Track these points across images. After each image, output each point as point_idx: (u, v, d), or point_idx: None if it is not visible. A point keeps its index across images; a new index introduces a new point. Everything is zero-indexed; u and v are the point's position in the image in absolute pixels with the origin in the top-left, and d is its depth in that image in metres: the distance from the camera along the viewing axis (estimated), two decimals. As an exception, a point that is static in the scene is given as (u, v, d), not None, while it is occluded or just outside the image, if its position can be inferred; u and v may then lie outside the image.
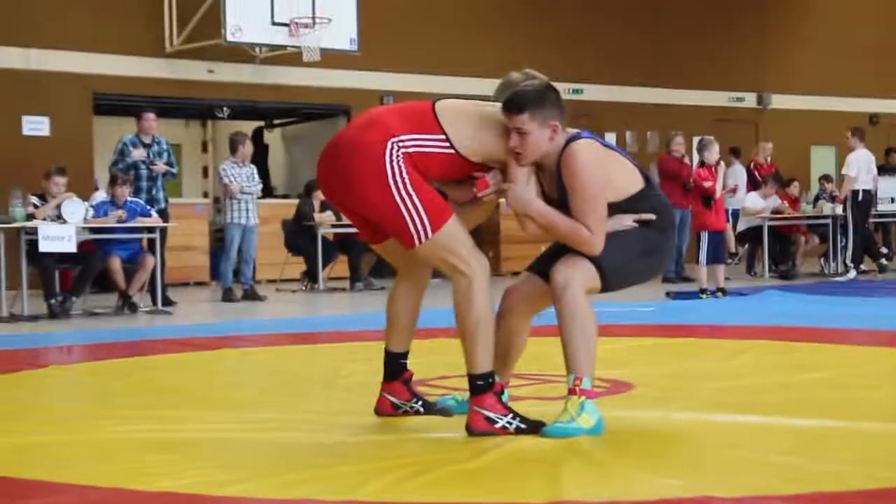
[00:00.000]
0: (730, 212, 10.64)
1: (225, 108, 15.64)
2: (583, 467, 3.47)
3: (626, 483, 3.29)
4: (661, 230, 4.16)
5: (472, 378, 4.01)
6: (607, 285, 4.06)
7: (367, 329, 8.18)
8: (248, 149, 12.06)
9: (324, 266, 12.97)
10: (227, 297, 11.67)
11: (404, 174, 3.92)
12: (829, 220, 14.46)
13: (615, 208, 4.07)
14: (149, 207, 10.72)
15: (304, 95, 15.64)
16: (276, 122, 18.10)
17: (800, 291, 11.17)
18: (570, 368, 3.97)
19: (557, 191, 4.07)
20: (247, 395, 5.30)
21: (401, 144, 3.94)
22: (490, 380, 4.00)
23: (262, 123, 17.97)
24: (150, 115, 11.12)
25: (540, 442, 3.86)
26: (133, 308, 10.29)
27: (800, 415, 4.31)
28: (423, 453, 3.74)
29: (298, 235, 12.90)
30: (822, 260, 15.05)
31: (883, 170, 16.70)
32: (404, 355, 4.46)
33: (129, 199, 10.56)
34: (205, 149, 19.01)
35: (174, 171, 11.26)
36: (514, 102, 3.99)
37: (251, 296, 11.81)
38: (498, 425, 3.95)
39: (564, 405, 3.96)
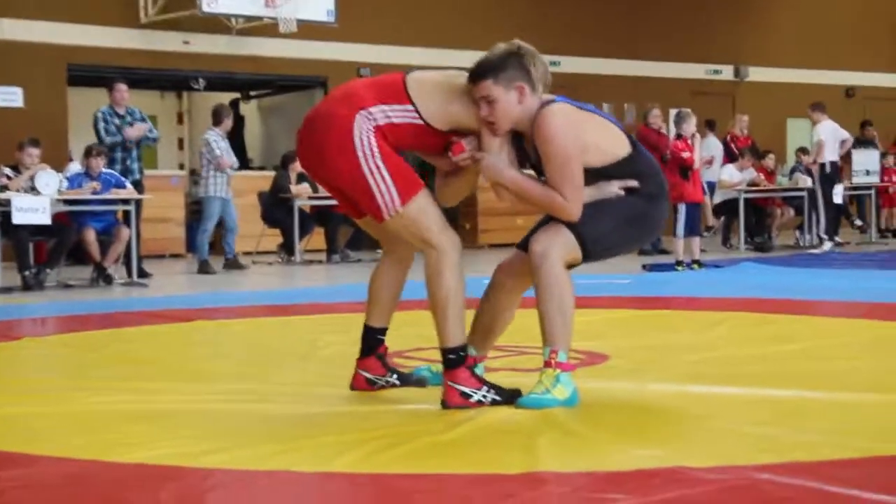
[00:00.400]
0: (706, 184, 10.67)
1: (200, 80, 15.54)
2: (559, 438, 3.48)
3: (601, 454, 3.30)
4: (649, 197, 4.07)
5: (445, 352, 4.01)
6: (588, 255, 4.02)
7: (343, 301, 8.18)
8: (230, 122, 12.08)
9: (300, 238, 12.94)
10: (204, 269, 11.63)
11: (373, 147, 3.92)
12: (804, 193, 14.52)
13: (601, 174, 4.00)
14: (123, 179, 10.65)
15: (280, 67, 15.56)
16: (253, 93, 18.01)
17: (775, 264, 11.22)
18: (546, 341, 3.96)
19: (535, 157, 4.05)
20: (223, 366, 5.29)
21: (370, 116, 3.94)
22: (462, 353, 4.00)
23: (238, 95, 17.88)
24: (122, 86, 11.04)
25: (516, 413, 3.87)
26: (108, 280, 10.24)
27: (776, 386, 4.34)
28: (398, 425, 3.74)
29: (275, 207, 12.86)
30: (797, 232, 15.12)
31: (858, 142, 16.79)
32: (382, 331, 4.44)
33: (103, 170, 10.49)
34: (180, 120, 18.90)
35: (154, 136, 11.18)
36: (476, 70, 3.96)
37: (233, 264, 11.81)
38: (473, 399, 3.95)
39: (539, 377, 3.96)
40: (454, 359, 3.99)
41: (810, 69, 19.49)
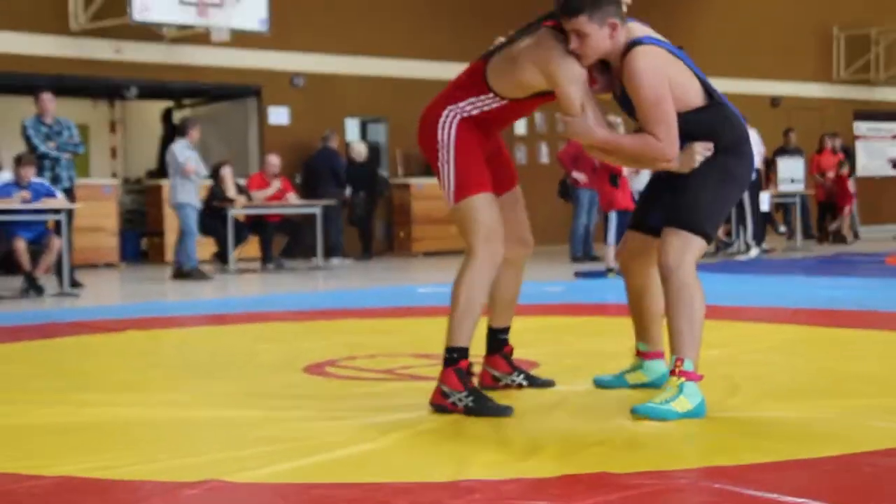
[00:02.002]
0: (635, 193, 10.81)
1: (133, 88, 15.40)
2: (487, 446, 3.53)
3: (529, 461, 3.34)
4: (728, 151, 4.04)
5: (445, 350, 4.13)
6: (711, 238, 4.08)
7: (278, 310, 8.18)
8: (197, 133, 12.23)
9: (234, 247, 12.89)
10: (199, 275, 11.79)
11: (452, 139, 4.14)
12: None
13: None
14: (54, 189, 10.54)
15: (213, 76, 15.48)
16: (186, 102, 17.88)
17: (702, 270, 11.36)
18: (673, 350, 3.97)
19: (623, 96, 4.04)
20: (154, 377, 5.27)
21: (458, 109, 4.15)
22: (455, 355, 4.08)
23: (171, 104, 17.75)
24: (47, 96, 10.93)
25: (444, 423, 3.91)
26: (39, 290, 10.12)
27: (702, 390, 4.42)
28: (328, 433, 3.76)
29: (209, 216, 12.80)
30: (724, 238, 15.35)
31: (783, 150, 17.11)
32: (503, 331, 4.53)
33: (33, 179, 10.37)
34: (113, 129, 18.71)
35: (78, 150, 11.10)
36: (572, 5, 3.89)
37: (184, 274, 11.87)
38: (449, 400, 4.04)
39: (664, 385, 3.99)
40: (447, 358, 4.10)
41: (736, 79, 19.80)
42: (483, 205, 4.13)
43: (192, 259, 11.96)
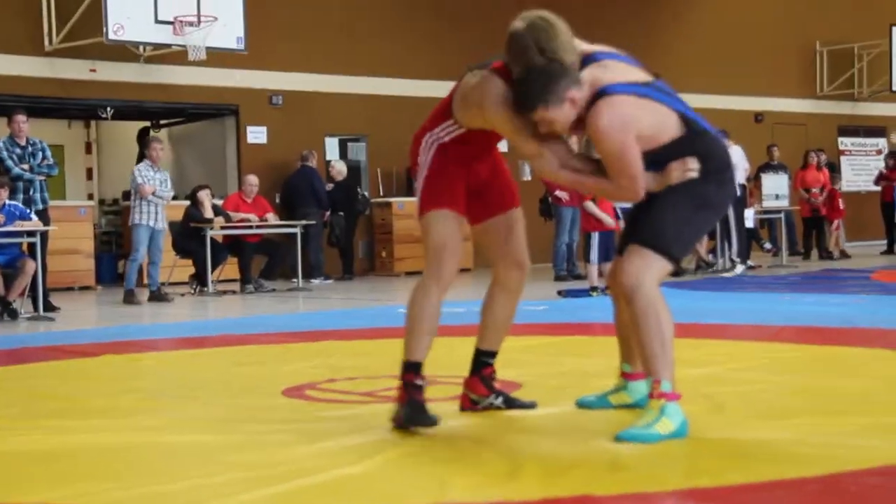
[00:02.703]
0: (619, 210, 10.78)
1: (108, 109, 15.31)
2: (468, 469, 3.46)
3: (510, 482, 3.28)
4: (713, 176, 3.97)
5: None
6: (677, 260, 4.01)
7: (257, 332, 8.09)
8: (160, 152, 12.08)
9: (213, 268, 12.79)
10: (130, 299, 11.50)
11: (429, 161, 4.22)
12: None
13: (652, 158, 3.91)
14: (28, 211, 10.43)
15: (190, 95, 15.40)
16: (163, 122, 17.79)
17: (686, 287, 11.36)
18: (649, 372, 3.90)
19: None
20: (130, 401, 5.18)
21: (435, 136, 4.23)
22: (404, 369, 4.15)
23: (147, 124, 17.65)
24: (20, 117, 10.85)
25: (425, 445, 3.85)
26: (13, 314, 10.00)
27: (685, 411, 4.35)
28: (307, 458, 3.69)
29: (187, 237, 12.70)
30: (710, 255, 15.34)
31: (768, 166, 17.15)
32: (489, 354, 4.49)
33: (7, 202, 10.26)
34: (88, 150, 18.60)
35: (52, 172, 11.01)
36: (524, 103, 3.87)
37: (158, 297, 11.67)
38: (395, 414, 4.13)
39: (645, 409, 3.92)
40: (401, 372, 4.17)
41: (719, 94, 19.85)
42: (440, 221, 4.18)
43: (130, 281, 11.75)
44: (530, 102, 3.85)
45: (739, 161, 14.03)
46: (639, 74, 3.99)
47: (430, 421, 4.07)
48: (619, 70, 3.96)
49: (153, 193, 11.74)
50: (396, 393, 4.18)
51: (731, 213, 13.92)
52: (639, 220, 4.04)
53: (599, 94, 3.86)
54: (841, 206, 17.66)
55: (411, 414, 4.08)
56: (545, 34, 3.86)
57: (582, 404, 4.49)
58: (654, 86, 4.00)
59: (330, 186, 15.05)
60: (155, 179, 11.86)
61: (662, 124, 3.95)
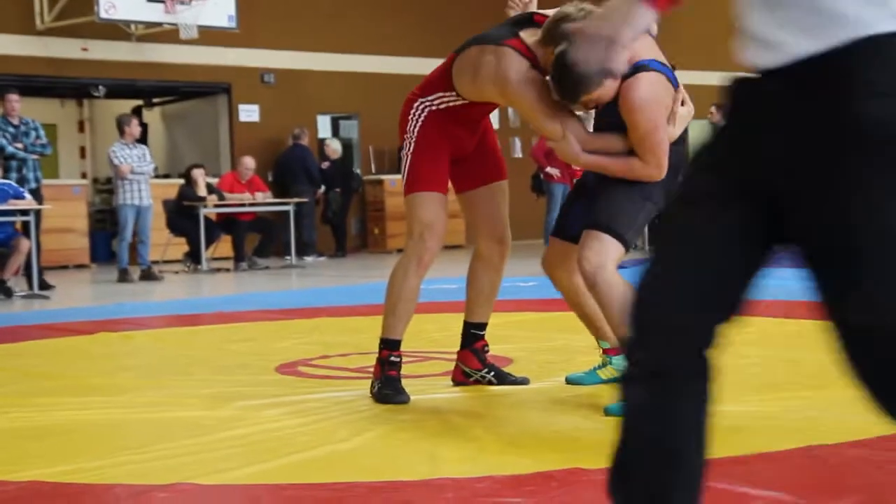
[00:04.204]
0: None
1: (101, 87, 15.30)
2: (460, 444, 3.52)
3: (502, 458, 3.33)
4: (667, 179, 4.03)
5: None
6: (628, 246, 4.07)
7: (250, 309, 8.14)
8: (135, 129, 11.97)
9: (207, 246, 12.83)
10: (123, 277, 11.54)
11: (416, 130, 4.23)
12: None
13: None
14: (21, 189, 10.46)
15: (182, 74, 15.39)
16: (155, 100, 17.80)
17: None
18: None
19: (612, 106, 3.98)
20: (124, 378, 5.23)
21: (428, 103, 4.23)
22: (381, 346, 4.28)
23: (140, 102, 17.66)
24: (13, 97, 10.84)
25: (417, 420, 3.90)
26: (7, 293, 10.03)
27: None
28: (299, 434, 3.74)
29: (180, 216, 12.73)
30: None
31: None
32: (478, 326, 4.57)
33: (0, 180, 10.29)
34: (81, 129, 18.59)
35: (45, 151, 11.01)
36: (570, 92, 3.86)
37: (148, 276, 11.69)
38: (371, 387, 4.30)
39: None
40: (378, 347, 4.31)
41: (714, 71, 19.85)
42: (425, 203, 4.23)
43: (122, 260, 11.77)
44: (577, 91, 3.85)
45: None
46: (661, 54, 4.04)
47: (401, 399, 4.18)
48: (648, 44, 3.99)
49: (131, 171, 11.66)
50: (374, 368, 4.32)
51: None
52: (589, 209, 4.08)
53: (638, 67, 3.87)
54: None
55: (384, 391, 4.22)
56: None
57: (571, 380, 4.55)
58: (673, 74, 4.04)
59: (326, 165, 15.07)
60: (132, 156, 11.71)
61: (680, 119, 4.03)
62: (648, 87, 3.85)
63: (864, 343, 1.77)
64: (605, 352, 4.48)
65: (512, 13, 4.26)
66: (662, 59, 4.01)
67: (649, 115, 3.86)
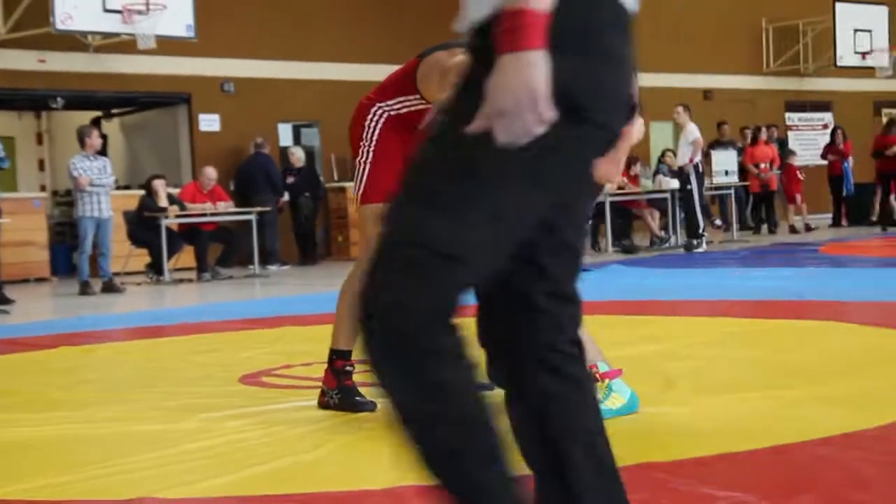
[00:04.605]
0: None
1: (59, 99, 15.16)
2: (424, 450, 3.49)
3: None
4: None
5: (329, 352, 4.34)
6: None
7: (214, 319, 8.09)
8: (95, 141, 11.85)
9: (169, 257, 12.74)
10: (85, 290, 11.43)
11: (373, 140, 4.19)
12: (667, 194, 14.90)
13: None
14: None
15: (142, 84, 15.29)
16: (115, 111, 17.66)
17: (639, 265, 11.46)
18: None
19: None
20: (87, 392, 5.17)
21: (387, 107, 4.20)
22: (332, 356, 4.29)
23: (99, 113, 17.51)
24: None
25: (381, 429, 3.86)
26: (-32, 308, 9.92)
27: (638, 387, 4.41)
28: (262, 445, 3.71)
29: (142, 227, 12.64)
30: (662, 232, 15.47)
31: (717, 143, 17.31)
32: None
33: (-42, 195, 10.18)
34: (40, 141, 18.42)
35: (2, 165, 10.89)
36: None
37: (110, 288, 11.59)
38: (325, 398, 4.28)
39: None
40: (328, 360, 4.31)
41: (670, 73, 19.96)
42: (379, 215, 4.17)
43: (82, 273, 11.64)
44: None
45: (696, 138, 14.20)
46: None
47: (370, 406, 4.17)
48: None
49: (90, 183, 11.55)
50: (324, 378, 4.31)
51: (695, 188, 14.07)
52: None
53: None
54: (800, 177, 17.89)
55: (347, 398, 4.22)
56: None
57: None
58: None
59: (291, 179, 15.01)
60: (92, 168, 11.60)
61: None
62: None
63: None
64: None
65: None
66: None
67: None
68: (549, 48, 1.63)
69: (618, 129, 1.80)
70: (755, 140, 17.63)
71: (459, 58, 3.95)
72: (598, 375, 3.95)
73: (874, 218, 17.77)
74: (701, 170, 14.36)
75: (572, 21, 1.70)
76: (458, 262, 1.70)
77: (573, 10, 1.71)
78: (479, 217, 1.70)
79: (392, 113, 4.20)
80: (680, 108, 14.56)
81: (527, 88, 1.60)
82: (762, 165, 17.58)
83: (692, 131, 14.21)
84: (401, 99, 4.19)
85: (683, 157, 14.23)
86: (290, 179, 15.02)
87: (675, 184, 14.72)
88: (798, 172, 17.91)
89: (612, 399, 3.90)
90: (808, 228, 17.28)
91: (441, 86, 4.08)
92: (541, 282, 1.90)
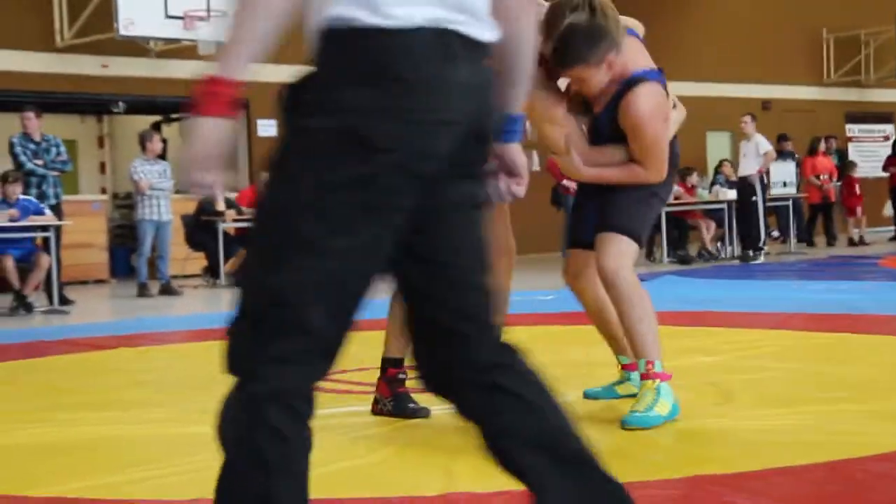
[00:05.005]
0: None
1: (120, 103, 15.36)
2: (475, 459, 3.46)
3: (518, 472, 3.32)
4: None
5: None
6: (642, 244, 4.14)
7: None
8: (156, 145, 12.01)
9: (225, 261, 12.85)
10: (143, 292, 11.58)
11: None
12: (724, 205, 14.79)
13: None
14: (42, 205, 10.51)
15: (201, 89, 15.42)
16: (175, 116, 17.85)
17: (694, 276, 11.37)
18: (639, 353, 3.98)
19: (607, 117, 4.01)
20: (145, 394, 5.24)
21: None
22: (385, 365, 4.27)
23: (160, 118, 17.71)
24: (30, 114, 10.90)
25: (433, 436, 3.89)
26: (28, 308, 10.08)
27: (695, 399, 4.39)
28: (317, 449, 3.70)
29: (199, 230, 12.76)
30: (718, 244, 15.35)
31: (778, 154, 17.14)
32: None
33: (21, 196, 10.34)
34: (101, 144, 18.68)
35: (65, 168, 11.06)
36: (568, 58, 3.83)
37: (168, 290, 11.72)
38: (379, 406, 4.29)
39: (640, 392, 3.97)
40: (381, 368, 4.30)
41: (727, 82, 19.81)
42: None
43: (141, 275, 11.78)
44: (573, 57, 3.83)
45: (769, 150, 14.16)
46: (649, 58, 4.07)
47: (423, 412, 4.18)
48: (636, 48, 4.03)
49: (150, 187, 11.71)
50: (377, 387, 4.32)
51: (760, 200, 13.99)
52: (601, 211, 4.11)
53: (637, 78, 3.92)
54: (858, 192, 17.70)
55: (400, 405, 4.22)
56: (608, 13, 3.85)
57: (589, 395, 4.53)
58: (663, 77, 4.07)
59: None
60: (153, 172, 11.77)
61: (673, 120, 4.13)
62: (649, 99, 3.92)
63: None
64: (624, 367, 4.45)
65: None
66: (651, 63, 4.05)
67: (653, 127, 3.93)
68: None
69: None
70: (814, 151, 17.45)
71: None
72: (651, 373, 3.93)
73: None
74: (765, 181, 14.27)
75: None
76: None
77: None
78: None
79: None
80: (748, 118, 14.45)
81: (192, 150, 1.84)
82: (822, 177, 17.40)
83: (763, 143, 14.11)
84: None
85: (750, 168, 14.09)
86: None
87: (732, 194, 14.60)
88: (857, 185, 17.71)
89: (660, 404, 3.88)
90: (863, 242, 17.05)
91: None
92: (445, 310, 1.99)
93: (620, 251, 3.99)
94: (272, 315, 1.85)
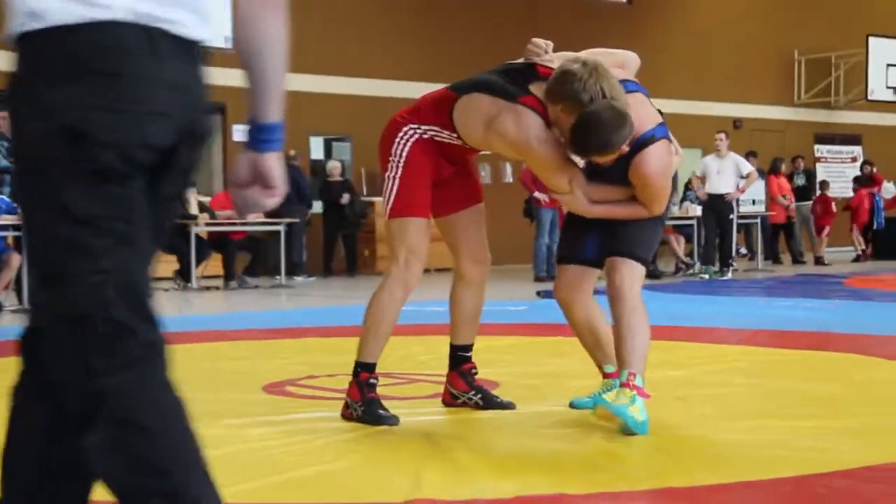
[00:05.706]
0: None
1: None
2: (443, 466, 3.52)
3: (484, 482, 3.34)
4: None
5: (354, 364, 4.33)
6: (649, 268, 4.32)
7: (239, 328, 8.13)
8: None
9: (197, 265, 12.82)
10: None
11: (403, 157, 4.25)
12: (693, 221, 14.92)
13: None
14: (14, 205, 10.44)
15: (176, 92, 15.39)
16: (149, 118, 17.79)
17: (664, 290, 11.44)
18: (625, 364, 4.07)
19: (616, 169, 4.13)
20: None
21: (419, 131, 4.25)
22: (358, 369, 4.29)
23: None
24: (4, 113, 10.83)
25: (403, 442, 3.91)
26: (-3, 307, 10.02)
27: (659, 413, 4.42)
28: (284, 454, 3.74)
29: (171, 233, 12.71)
30: (688, 259, 15.44)
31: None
32: (464, 348, 4.59)
33: (-8, 195, 10.29)
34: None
35: None
36: (604, 147, 3.96)
37: None
38: (349, 410, 4.29)
39: (617, 392, 4.07)
40: (353, 372, 4.31)
41: (698, 101, 19.96)
42: (412, 228, 4.28)
43: None
44: (609, 145, 3.95)
45: (752, 171, 14.30)
46: (654, 110, 4.25)
47: (393, 420, 4.20)
48: (641, 103, 4.19)
49: None
50: (348, 390, 4.32)
51: (735, 217, 14.14)
52: (610, 236, 4.29)
53: (647, 139, 4.09)
54: (834, 209, 17.88)
55: (371, 411, 4.23)
56: (606, 81, 3.95)
57: (576, 405, 4.56)
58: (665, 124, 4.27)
59: (346, 199, 15.08)
60: None
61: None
62: (658, 159, 4.12)
63: None
64: (608, 375, 4.49)
65: (535, 58, 4.20)
66: (658, 117, 4.21)
67: (661, 183, 4.16)
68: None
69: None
70: (776, 171, 17.58)
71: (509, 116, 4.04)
72: (631, 384, 4.00)
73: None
74: (736, 199, 14.42)
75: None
76: None
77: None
78: None
79: (425, 136, 4.26)
80: (722, 135, 14.56)
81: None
82: (788, 196, 17.58)
83: (743, 163, 14.22)
84: (435, 128, 4.25)
85: (727, 185, 14.17)
86: (345, 200, 15.08)
87: (699, 210, 14.71)
88: (832, 204, 17.91)
89: (635, 408, 3.93)
90: (821, 262, 17.14)
91: (485, 135, 4.13)
92: None
93: (632, 273, 4.21)
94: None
